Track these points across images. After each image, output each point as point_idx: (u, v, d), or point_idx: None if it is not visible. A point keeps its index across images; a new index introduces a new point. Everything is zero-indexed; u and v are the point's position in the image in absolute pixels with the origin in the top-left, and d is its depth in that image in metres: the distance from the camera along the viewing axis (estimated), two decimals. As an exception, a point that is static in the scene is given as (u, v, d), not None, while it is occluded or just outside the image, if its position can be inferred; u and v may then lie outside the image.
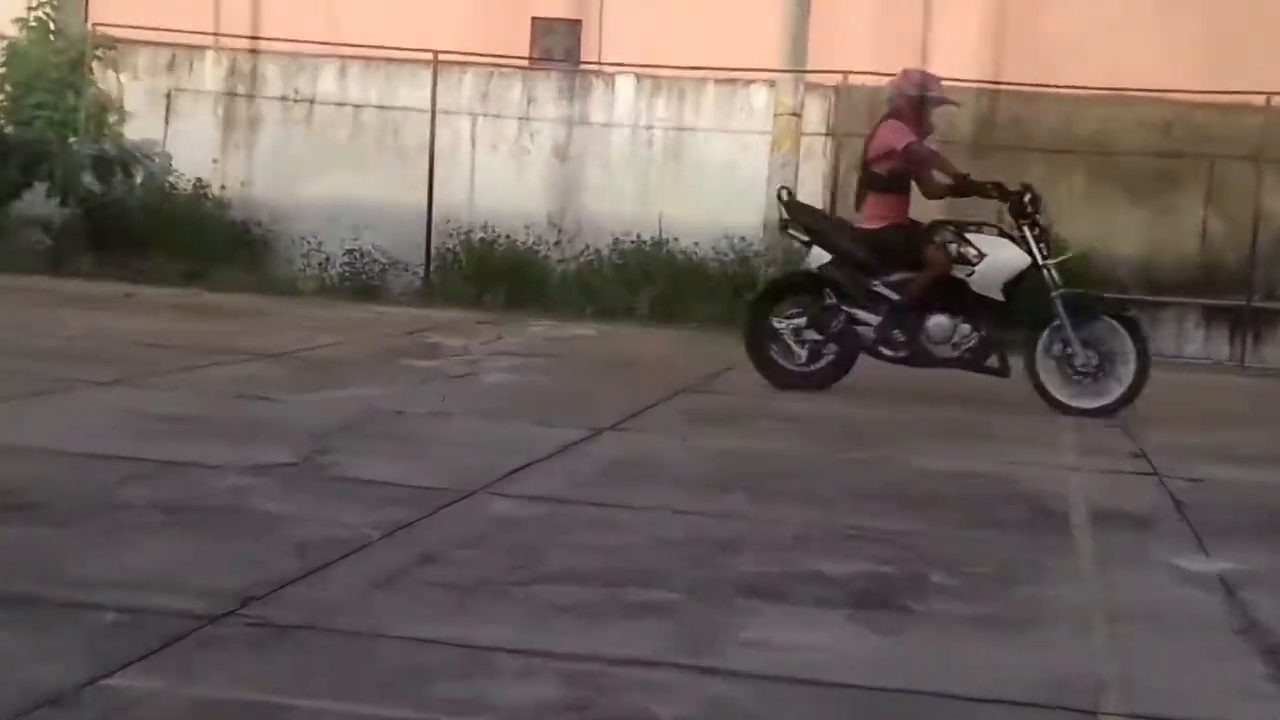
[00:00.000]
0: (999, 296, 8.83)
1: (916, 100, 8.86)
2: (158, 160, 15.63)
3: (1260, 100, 13.18)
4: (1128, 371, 8.84)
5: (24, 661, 3.21)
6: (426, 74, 15.06)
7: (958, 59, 13.93)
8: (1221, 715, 3.46)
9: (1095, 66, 14.00)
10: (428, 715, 3.07)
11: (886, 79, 12.18)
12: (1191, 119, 13.89)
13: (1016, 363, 9.26)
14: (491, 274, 14.29)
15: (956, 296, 8.90)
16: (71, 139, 15.07)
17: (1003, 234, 9.10)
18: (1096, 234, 13.23)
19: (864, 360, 10.07)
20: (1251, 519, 6.11)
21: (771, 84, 14.34)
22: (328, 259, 14.83)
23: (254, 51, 16.13)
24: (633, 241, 14.24)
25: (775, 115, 14.11)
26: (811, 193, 13.66)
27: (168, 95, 15.93)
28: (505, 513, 5.36)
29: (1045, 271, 8.92)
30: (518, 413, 8.02)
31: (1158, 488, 6.81)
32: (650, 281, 13.94)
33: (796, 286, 9.86)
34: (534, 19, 16.45)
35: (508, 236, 14.54)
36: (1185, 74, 13.59)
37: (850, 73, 14.15)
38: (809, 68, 14.04)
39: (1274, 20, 14.43)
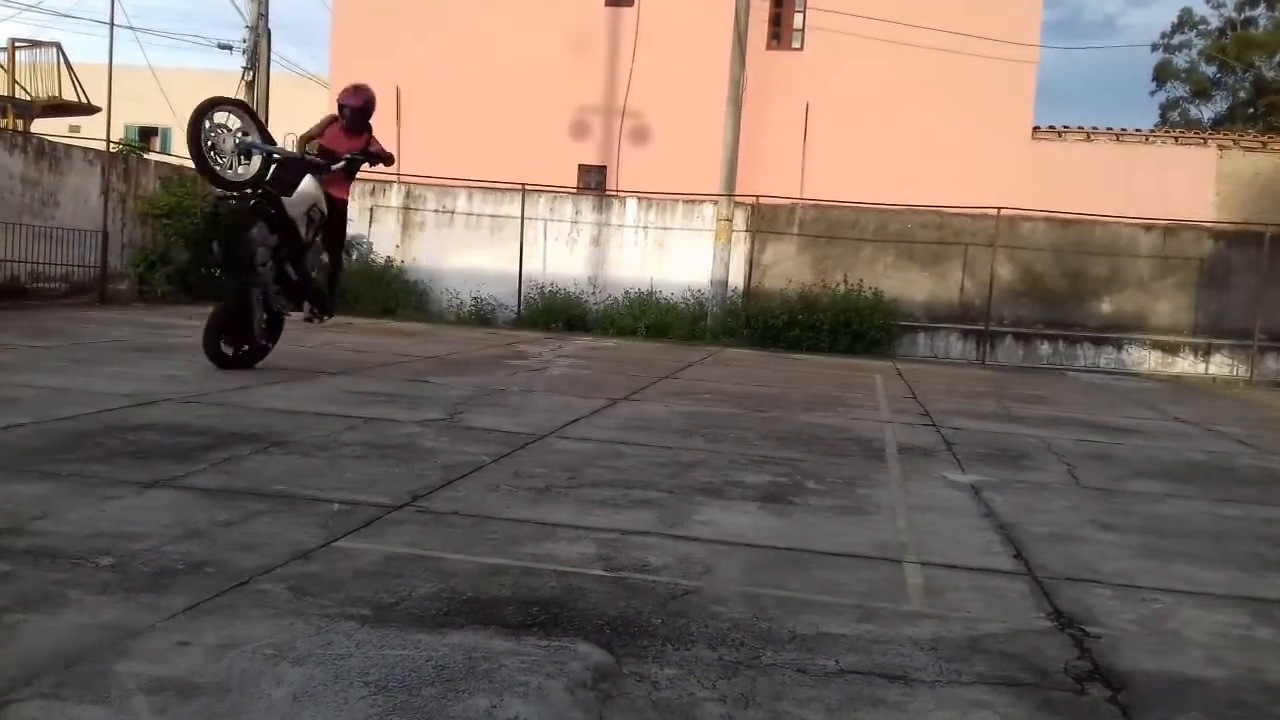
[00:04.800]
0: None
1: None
2: (365, 246, 19.33)
3: (993, 211, 17.90)
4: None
5: (286, 531, 3.74)
6: (518, 196, 19.22)
7: (823, 190, 18.60)
8: (971, 563, 3.94)
9: (899, 191, 18.09)
10: (519, 563, 3.49)
11: (782, 200, 16.72)
12: (954, 222, 18.29)
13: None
14: (555, 311, 18.29)
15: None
16: (316, 234, 18.01)
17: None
18: (901, 288, 17.76)
19: (770, 359, 12.87)
20: (987, 451, 6.89)
21: (715, 202, 18.34)
22: (462, 302, 19.03)
23: (420, 183, 19.78)
24: (636, 292, 18.43)
25: (717, 221, 18.14)
26: (737, 266, 18.00)
27: (370, 209, 19.66)
28: (562, 448, 5.79)
29: None
30: (570, 390, 8.77)
31: (935, 433, 7.56)
32: (646, 315, 17.90)
33: None
34: (580, 165, 21.06)
35: (564, 289, 18.74)
36: (949, 195, 17.91)
37: (760, 196, 18.36)
38: (737, 193, 18.05)
39: (1004, 159, 18.65)
